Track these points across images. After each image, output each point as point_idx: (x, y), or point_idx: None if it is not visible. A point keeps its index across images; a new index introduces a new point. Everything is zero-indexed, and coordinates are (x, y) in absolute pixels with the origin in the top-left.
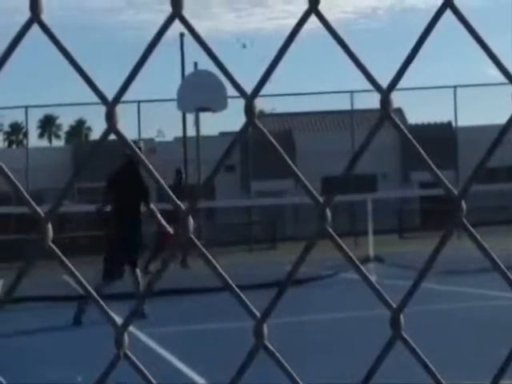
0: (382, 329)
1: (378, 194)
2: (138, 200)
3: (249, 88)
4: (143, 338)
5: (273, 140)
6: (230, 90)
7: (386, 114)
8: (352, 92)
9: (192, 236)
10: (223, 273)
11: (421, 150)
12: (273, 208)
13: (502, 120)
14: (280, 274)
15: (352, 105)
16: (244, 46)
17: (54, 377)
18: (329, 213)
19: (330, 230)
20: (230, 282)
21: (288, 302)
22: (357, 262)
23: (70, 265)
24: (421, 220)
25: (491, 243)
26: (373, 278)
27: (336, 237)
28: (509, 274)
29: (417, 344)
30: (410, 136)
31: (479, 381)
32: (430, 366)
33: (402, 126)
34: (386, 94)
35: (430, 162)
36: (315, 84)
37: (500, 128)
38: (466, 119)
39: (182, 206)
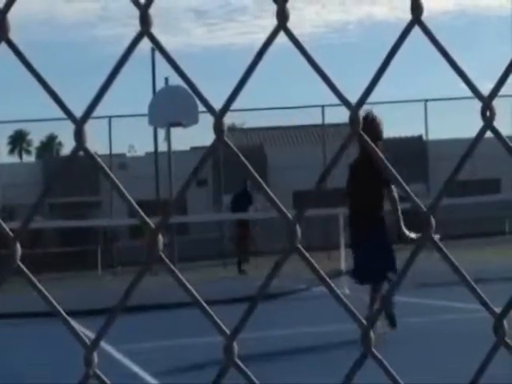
0: (355, 343)
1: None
2: None
3: (220, 103)
4: (117, 355)
5: (242, 156)
6: (202, 105)
7: (355, 130)
8: (323, 106)
9: (161, 253)
10: (192, 290)
11: (389, 165)
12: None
13: (472, 134)
14: (253, 288)
15: (323, 119)
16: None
17: None
18: (299, 229)
19: (300, 246)
20: (199, 298)
21: (261, 316)
22: (326, 278)
23: (37, 283)
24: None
25: (462, 256)
26: (344, 292)
27: (306, 253)
28: (476, 288)
29: (388, 359)
30: (379, 152)
31: None
32: (400, 382)
33: (370, 143)
34: (354, 110)
35: (399, 177)
36: (287, 98)
37: (470, 142)
38: (436, 133)
39: (151, 222)
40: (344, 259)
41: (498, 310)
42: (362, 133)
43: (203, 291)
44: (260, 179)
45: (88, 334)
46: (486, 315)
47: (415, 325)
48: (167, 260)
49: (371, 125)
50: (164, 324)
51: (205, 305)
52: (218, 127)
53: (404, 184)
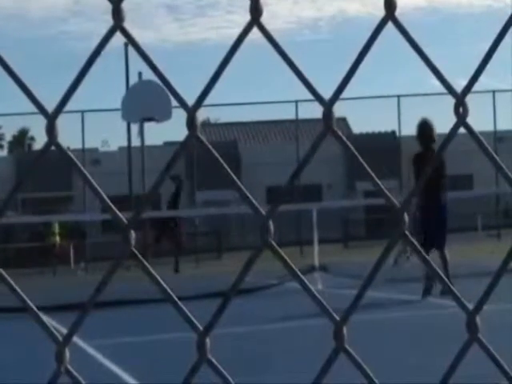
0: (327, 339)
1: (324, 204)
2: None
3: (193, 98)
4: (90, 350)
5: (215, 152)
6: (175, 100)
7: (329, 126)
8: (297, 101)
9: (133, 249)
10: (164, 285)
11: (363, 161)
12: (218, 218)
13: (445, 129)
14: (225, 284)
15: (297, 114)
16: None
17: None
18: (271, 225)
19: (273, 242)
20: (172, 294)
21: (233, 311)
22: (299, 273)
23: (7, 277)
24: (365, 229)
25: (435, 252)
26: (318, 288)
27: (278, 249)
28: (449, 283)
29: (361, 355)
30: (352, 148)
31: None
32: (374, 380)
33: (344, 139)
34: (328, 106)
35: (372, 173)
36: (260, 93)
37: (443, 138)
38: (409, 128)
39: (123, 217)
40: (317, 254)
41: (470, 305)
42: (335, 129)
43: (177, 286)
44: (233, 175)
45: (61, 329)
46: (460, 311)
47: (390, 320)
48: (139, 255)
49: (425, 128)
50: (138, 319)
51: (177, 300)
52: (191, 122)
53: (377, 179)
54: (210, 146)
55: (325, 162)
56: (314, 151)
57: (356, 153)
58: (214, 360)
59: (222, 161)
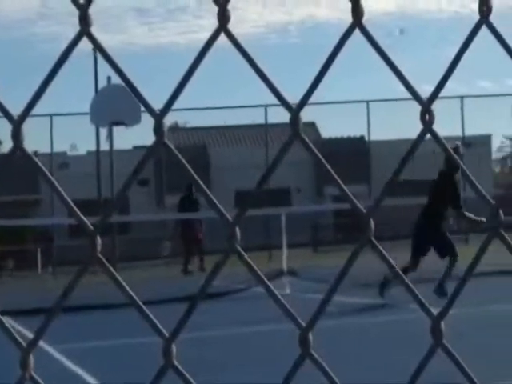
0: (294, 344)
1: (292, 208)
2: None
3: (162, 103)
4: (56, 355)
5: (182, 158)
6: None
7: (296, 132)
8: (266, 106)
9: (99, 255)
10: (130, 291)
11: (329, 167)
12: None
13: (413, 135)
14: (194, 288)
15: (266, 119)
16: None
17: None
18: (238, 230)
19: (239, 248)
20: (137, 300)
21: (201, 317)
22: (265, 279)
23: None
24: (334, 234)
25: (402, 256)
26: (286, 292)
27: (244, 255)
28: (414, 289)
29: (328, 361)
30: (318, 154)
31: None
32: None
33: (310, 144)
34: (295, 112)
35: (337, 178)
36: (230, 98)
37: (411, 143)
38: (378, 133)
39: (89, 224)
40: (286, 259)
41: (435, 311)
42: (301, 135)
43: (143, 291)
44: (200, 180)
45: (27, 334)
46: (422, 315)
47: (356, 324)
48: (105, 262)
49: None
50: (104, 324)
51: (143, 306)
52: (158, 128)
53: (343, 185)
54: (176, 152)
55: (293, 167)
56: (282, 157)
57: (322, 158)
58: (179, 366)
59: (188, 167)
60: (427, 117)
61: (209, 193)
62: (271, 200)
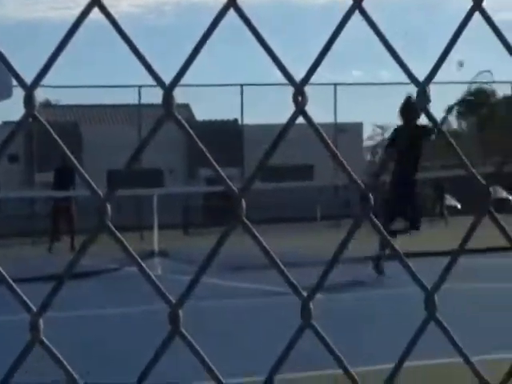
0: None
1: (165, 189)
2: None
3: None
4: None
5: (53, 133)
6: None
7: (169, 111)
8: (140, 86)
9: None
10: None
11: (203, 147)
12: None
13: (285, 120)
14: (62, 266)
15: (140, 99)
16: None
17: None
18: (109, 207)
19: (110, 224)
20: (5, 275)
21: (71, 295)
22: (137, 258)
23: None
24: (205, 216)
25: (274, 240)
26: (157, 273)
27: (116, 232)
28: (285, 271)
29: (197, 340)
30: (193, 133)
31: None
32: (209, 364)
33: (184, 124)
34: (168, 90)
35: (212, 160)
36: (105, 77)
37: (281, 127)
38: (252, 117)
39: None
40: (157, 240)
41: (305, 293)
42: (175, 114)
43: (11, 268)
44: (71, 155)
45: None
46: (295, 299)
47: (229, 307)
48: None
49: (411, 106)
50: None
51: (10, 281)
52: (29, 100)
53: (215, 164)
54: (48, 126)
55: (167, 148)
56: (153, 135)
57: (195, 138)
58: (46, 340)
59: (59, 140)
60: (300, 98)
61: (80, 168)
62: (143, 181)
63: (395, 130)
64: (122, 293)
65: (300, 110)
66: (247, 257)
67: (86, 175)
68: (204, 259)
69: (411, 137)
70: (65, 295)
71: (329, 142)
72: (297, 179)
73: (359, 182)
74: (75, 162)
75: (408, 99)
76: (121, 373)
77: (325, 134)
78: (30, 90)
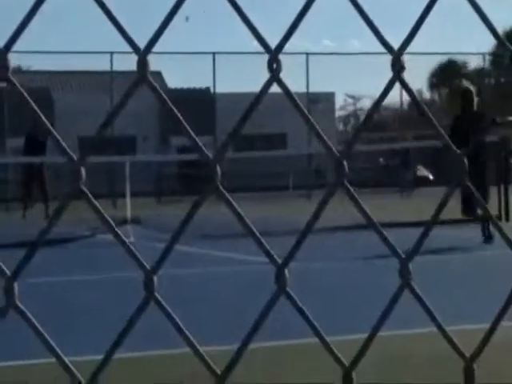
0: (138, 290)
1: (137, 157)
2: None
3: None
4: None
5: (28, 97)
6: None
7: (143, 75)
8: (112, 53)
9: None
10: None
11: (178, 113)
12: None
13: (256, 88)
14: (34, 232)
15: (112, 65)
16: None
17: None
18: (83, 171)
19: (85, 189)
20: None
21: (42, 261)
22: (112, 224)
23: None
24: (178, 184)
25: (247, 208)
26: (130, 240)
27: (91, 196)
28: (261, 238)
29: (171, 306)
30: (166, 98)
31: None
32: (184, 330)
33: (158, 89)
34: (142, 55)
35: (188, 128)
36: (77, 43)
37: (253, 97)
38: (224, 86)
39: None
40: (130, 207)
41: (279, 259)
42: (149, 78)
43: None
44: (44, 118)
45: None
46: (269, 267)
47: (197, 276)
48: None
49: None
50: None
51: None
52: (3, 64)
53: (192, 132)
54: (22, 90)
55: (140, 114)
56: (126, 100)
57: (169, 103)
58: (21, 306)
59: (32, 103)
60: (275, 66)
61: (55, 132)
62: (116, 148)
63: (454, 118)
64: (96, 260)
65: (274, 76)
66: (219, 225)
67: (60, 139)
68: (179, 225)
69: (469, 123)
70: (40, 262)
71: (304, 109)
72: (269, 148)
73: (333, 149)
74: (49, 126)
75: (465, 89)
76: (96, 340)
77: (299, 102)
78: (4, 54)
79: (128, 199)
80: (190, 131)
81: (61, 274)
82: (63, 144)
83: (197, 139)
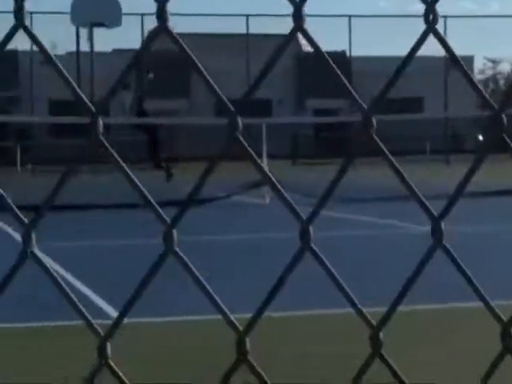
0: (284, 251)
1: (273, 119)
2: None
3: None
4: (37, 252)
5: (184, 45)
6: (125, 7)
7: (299, 25)
8: (248, 16)
9: (102, 137)
10: (134, 179)
11: (333, 65)
12: (166, 127)
13: (394, 52)
14: (175, 193)
15: (248, 28)
16: None
17: None
18: (239, 121)
19: (241, 138)
20: (148, 196)
21: (184, 222)
22: (273, 179)
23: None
24: (314, 146)
25: (387, 172)
26: (266, 202)
27: (248, 147)
28: (414, 188)
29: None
30: (320, 48)
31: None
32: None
33: (313, 39)
34: (298, 4)
35: (344, 80)
36: (215, 6)
37: (400, 60)
38: (359, 49)
39: (90, 104)
40: (266, 169)
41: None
42: (304, 28)
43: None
44: (203, 72)
45: (7, 229)
46: (412, 232)
47: (344, 239)
48: (107, 145)
49: None
50: (88, 224)
51: (149, 197)
52: (162, 12)
53: (352, 92)
54: (179, 39)
55: (276, 78)
56: (281, 53)
57: (324, 53)
58: (179, 252)
59: (193, 57)
60: (431, 16)
61: (211, 81)
62: (252, 110)
63: None
64: (233, 221)
65: (431, 28)
66: (360, 190)
67: (218, 89)
68: (326, 189)
69: None
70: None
71: (462, 63)
72: (407, 112)
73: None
74: (207, 77)
75: None
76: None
77: (455, 52)
78: (162, 3)
79: (264, 161)
80: (346, 83)
81: (201, 234)
82: (221, 95)
83: (350, 88)
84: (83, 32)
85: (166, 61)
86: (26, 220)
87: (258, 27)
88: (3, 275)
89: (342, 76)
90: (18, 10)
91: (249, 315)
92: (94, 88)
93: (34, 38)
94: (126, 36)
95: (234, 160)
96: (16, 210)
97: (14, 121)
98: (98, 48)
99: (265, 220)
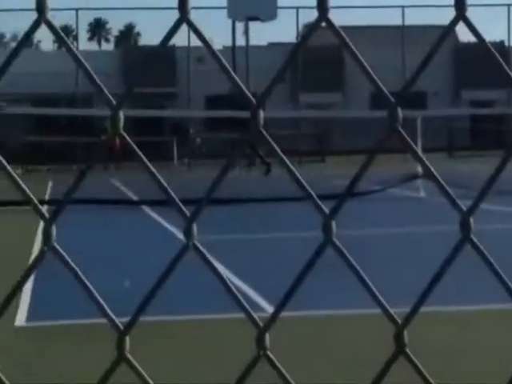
0: (442, 244)
1: (429, 112)
2: None
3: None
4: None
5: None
6: (280, 0)
7: (461, 13)
8: (403, 7)
9: (261, 128)
10: (301, 177)
11: (501, 62)
12: (321, 121)
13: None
14: (329, 186)
15: (403, 20)
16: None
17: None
18: (399, 111)
19: (401, 130)
20: (307, 188)
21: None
22: (433, 170)
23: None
24: (471, 139)
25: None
26: (420, 195)
27: (411, 143)
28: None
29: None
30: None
31: None
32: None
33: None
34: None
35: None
36: None
37: None
38: None
39: (252, 97)
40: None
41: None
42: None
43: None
44: (363, 60)
45: (163, 223)
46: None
47: (497, 231)
48: (266, 135)
49: None
50: (244, 218)
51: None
52: (323, 2)
53: None
54: (338, 28)
55: (431, 70)
56: (442, 43)
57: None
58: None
59: (351, 46)
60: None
61: (371, 72)
62: (407, 103)
63: None
64: (389, 213)
65: None
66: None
67: (381, 83)
68: (484, 184)
69: None
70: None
71: None
72: None
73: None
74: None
75: None
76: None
77: None
78: None
79: (420, 154)
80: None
81: (357, 227)
82: (384, 92)
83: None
84: (239, 26)
85: (320, 55)
86: (187, 213)
87: (413, 18)
88: (164, 267)
89: (505, 65)
90: (182, 5)
91: (407, 309)
92: (249, 82)
93: (197, 31)
94: (282, 29)
95: (389, 152)
96: (179, 203)
97: (171, 115)
98: (253, 42)
99: (421, 213)
